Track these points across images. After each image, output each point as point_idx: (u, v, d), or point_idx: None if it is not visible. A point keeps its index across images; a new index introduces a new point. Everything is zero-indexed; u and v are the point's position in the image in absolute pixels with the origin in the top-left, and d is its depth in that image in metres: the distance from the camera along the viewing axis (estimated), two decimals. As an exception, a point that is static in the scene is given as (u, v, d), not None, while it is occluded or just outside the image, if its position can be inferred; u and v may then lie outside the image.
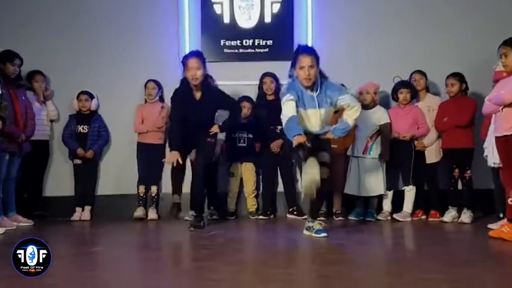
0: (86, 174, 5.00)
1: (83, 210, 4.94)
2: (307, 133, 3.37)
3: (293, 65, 3.47)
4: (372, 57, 5.09)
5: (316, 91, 3.44)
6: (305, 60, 3.37)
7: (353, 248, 3.31)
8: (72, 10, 5.22)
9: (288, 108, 3.33)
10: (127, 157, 5.06)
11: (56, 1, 5.25)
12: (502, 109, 3.29)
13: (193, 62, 3.87)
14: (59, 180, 5.12)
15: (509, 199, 3.34)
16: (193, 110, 3.94)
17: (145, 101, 5.09)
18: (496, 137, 3.35)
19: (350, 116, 3.50)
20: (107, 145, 5.16)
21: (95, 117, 5.07)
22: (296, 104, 3.36)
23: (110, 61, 5.20)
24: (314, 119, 3.48)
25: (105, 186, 5.14)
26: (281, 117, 3.41)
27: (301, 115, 3.44)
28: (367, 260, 2.90)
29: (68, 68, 5.18)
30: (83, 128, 4.99)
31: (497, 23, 4.92)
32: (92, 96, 5.07)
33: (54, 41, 5.17)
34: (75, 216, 4.88)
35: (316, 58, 3.43)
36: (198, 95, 3.99)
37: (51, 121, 5.11)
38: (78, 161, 4.98)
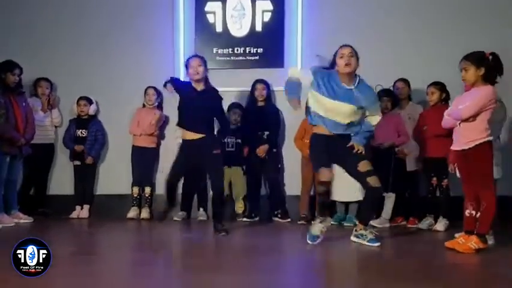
0: (85, 174, 5.32)
1: (81, 208, 5.27)
2: (328, 136, 3.57)
3: (332, 65, 3.63)
4: (360, 67, 5.16)
5: (354, 85, 3.57)
6: (345, 50, 3.56)
7: (324, 254, 3.46)
8: (74, 19, 5.54)
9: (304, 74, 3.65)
10: (125, 159, 5.34)
11: (58, 10, 5.57)
12: (459, 124, 3.37)
13: (195, 61, 4.08)
14: (62, 180, 5.47)
15: (467, 211, 3.41)
16: (195, 100, 4.06)
17: (143, 106, 5.34)
18: (454, 151, 3.43)
19: (373, 120, 3.64)
20: (104, 147, 5.46)
21: (93, 121, 5.36)
22: (321, 92, 3.53)
23: (109, 68, 5.50)
24: (343, 113, 3.53)
25: (104, 186, 5.45)
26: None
27: (329, 106, 3.53)
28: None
29: (71, 74, 5.50)
30: (81, 132, 5.30)
31: (487, 34, 4.93)
32: (90, 102, 5.36)
33: (59, 48, 5.52)
34: (74, 214, 5.22)
35: (355, 52, 3.59)
36: (199, 86, 4.09)
37: (56, 126, 5.46)
38: (77, 162, 5.31)
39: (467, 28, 5.11)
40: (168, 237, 4.34)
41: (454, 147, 3.44)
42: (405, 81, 4.80)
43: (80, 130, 5.30)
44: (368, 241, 3.57)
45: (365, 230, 3.63)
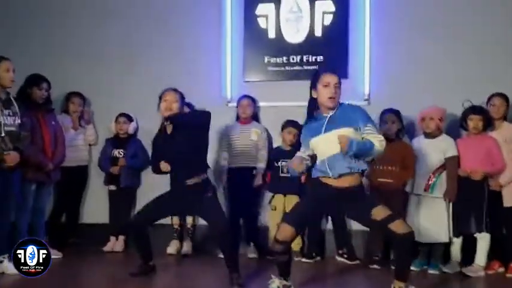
0: (121, 201, 4.76)
1: (116, 239, 4.69)
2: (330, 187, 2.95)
3: (313, 87, 3.04)
4: (439, 76, 4.38)
5: (331, 112, 3.00)
6: (331, 78, 2.98)
7: None
8: (111, 30, 5.01)
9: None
10: (166, 184, 4.73)
11: (96, 22, 5.06)
12: None
13: (170, 94, 3.46)
14: (96, 206, 4.93)
15: None
16: (167, 147, 3.48)
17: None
18: None
19: (376, 141, 2.91)
20: (145, 170, 4.86)
21: (132, 140, 4.82)
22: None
23: (149, 80, 4.90)
24: (323, 147, 2.96)
25: (142, 214, 4.86)
26: None
27: (315, 144, 3.01)
28: None
29: (108, 90, 4.99)
30: (118, 153, 4.76)
31: None
32: (130, 119, 4.82)
33: (92, 61, 5.00)
34: (108, 247, 4.65)
35: (339, 81, 3.00)
36: (169, 129, 3.49)
37: (90, 145, 4.94)
38: (112, 187, 4.76)
39: None
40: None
41: None
42: (503, 97, 3.95)
43: (118, 150, 4.75)
44: None
45: (405, 286, 2.97)
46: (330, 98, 2.95)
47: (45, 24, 5.09)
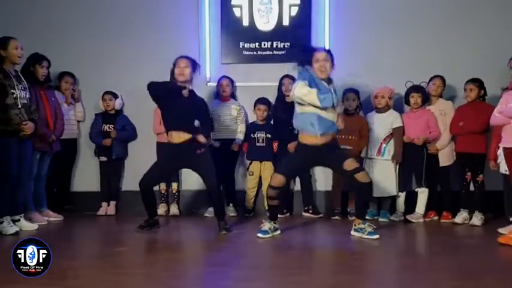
0: (111, 171, 5.23)
1: (108, 205, 5.19)
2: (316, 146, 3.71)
3: (307, 63, 3.73)
4: (388, 61, 5.19)
5: (331, 86, 3.72)
6: (320, 55, 3.71)
7: (365, 252, 3.50)
8: (95, 12, 5.41)
9: (302, 87, 3.61)
10: (151, 155, 5.23)
11: (80, 4, 5.44)
12: (512, 121, 3.40)
13: (183, 61, 4.01)
14: (86, 176, 5.37)
15: (517, 207, 3.46)
16: (179, 105, 3.98)
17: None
18: (504, 148, 3.46)
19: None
20: (132, 142, 5.36)
21: (120, 116, 5.27)
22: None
23: (131, 62, 5.35)
24: (331, 111, 3.68)
25: (130, 182, 5.31)
26: (297, 98, 3.69)
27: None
28: (378, 267, 3.07)
29: (92, 68, 5.38)
30: (108, 127, 5.20)
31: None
32: (115, 96, 5.25)
33: (80, 41, 5.37)
34: (101, 211, 5.13)
35: (331, 56, 3.74)
36: (186, 93, 4.00)
37: (78, 121, 5.36)
38: (103, 158, 5.21)
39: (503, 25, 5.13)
40: (199, 234, 4.29)
41: (504, 145, 3.47)
42: (442, 78, 4.81)
43: (108, 125, 5.20)
44: (367, 234, 3.76)
45: (363, 223, 3.82)
46: (321, 71, 3.67)
47: (42, 11, 5.40)
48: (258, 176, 5.09)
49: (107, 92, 5.24)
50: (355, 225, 3.84)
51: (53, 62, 4.87)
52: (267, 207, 5.01)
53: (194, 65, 4.06)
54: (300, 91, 3.60)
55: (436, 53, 5.17)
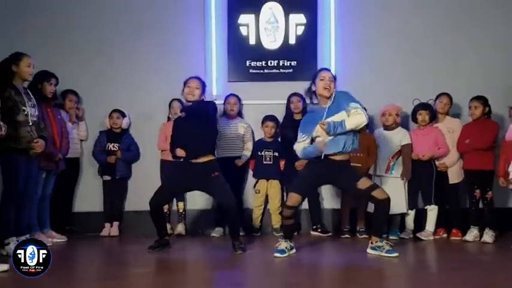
0: (115, 190, 5.13)
1: (111, 225, 5.08)
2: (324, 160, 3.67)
3: (313, 83, 3.81)
4: (394, 80, 5.25)
5: (330, 102, 3.75)
6: (326, 74, 3.79)
7: (377, 268, 3.45)
8: (102, 32, 5.37)
9: (299, 142, 3.79)
10: (155, 175, 5.17)
11: (87, 23, 5.39)
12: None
13: (194, 82, 4.00)
14: (88, 196, 5.26)
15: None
16: (182, 129, 3.96)
17: (168, 119, 5.17)
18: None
19: (352, 118, 3.63)
20: (136, 162, 5.28)
21: (125, 135, 5.20)
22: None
23: (138, 81, 5.33)
24: (324, 133, 3.68)
25: (133, 202, 5.25)
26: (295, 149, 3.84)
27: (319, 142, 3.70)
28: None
29: (98, 87, 5.32)
30: (113, 146, 5.13)
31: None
32: (123, 115, 5.20)
33: (85, 59, 5.33)
34: (104, 232, 5.02)
35: (335, 78, 3.79)
36: (183, 114, 3.97)
37: (81, 140, 5.28)
38: (107, 178, 5.12)
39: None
40: (203, 254, 4.21)
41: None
42: (449, 96, 4.86)
43: (112, 144, 5.12)
44: (386, 252, 3.70)
45: (381, 242, 3.76)
46: (325, 88, 3.69)
47: (45, 28, 5.34)
48: (265, 194, 5.05)
49: (115, 110, 5.18)
50: (371, 243, 3.80)
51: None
52: (275, 226, 5.01)
53: (204, 87, 4.07)
54: (296, 148, 3.86)
55: (443, 71, 5.23)
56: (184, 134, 3.95)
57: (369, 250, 3.80)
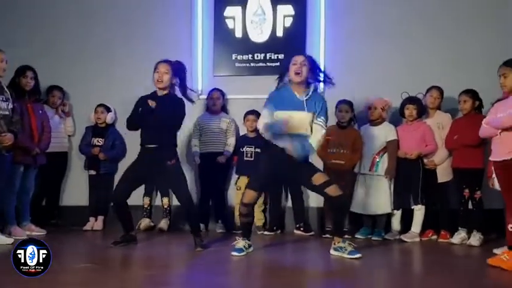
0: (100, 185, 5.12)
1: (96, 219, 5.09)
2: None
3: (286, 70, 3.57)
4: (384, 72, 5.00)
5: (306, 96, 3.49)
6: (298, 58, 3.53)
7: (356, 270, 3.26)
8: (89, 27, 5.40)
9: (263, 117, 3.52)
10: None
11: (73, 19, 5.43)
12: (500, 133, 3.15)
13: (162, 66, 3.80)
14: (76, 190, 5.30)
15: (509, 225, 3.19)
16: (147, 114, 3.76)
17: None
18: (494, 162, 3.21)
19: (316, 141, 3.45)
20: (123, 158, 5.25)
21: (110, 130, 5.19)
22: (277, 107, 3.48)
23: (124, 75, 5.31)
24: (299, 121, 3.45)
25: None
26: (257, 126, 3.62)
27: (281, 116, 3.42)
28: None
29: (85, 82, 5.35)
30: (97, 141, 5.13)
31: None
32: (108, 109, 5.19)
33: (72, 55, 5.38)
34: (88, 226, 5.03)
35: (310, 62, 3.53)
36: (153, 104, 3.73)
37: (68, 135, 5.32)
38: (93, 172, 5.14)
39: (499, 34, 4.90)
40: (162, 252, 4.05)
41: (493, 158, 3.22)
42: (439, 90, 4.57)
43: (97, 138, 5.13)
44: (348, 253, 3.48)
45: (343, 242, 3.53)
46: (296, 73, 3.47)
47: (30, 24, 5.42)
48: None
49: (100, 105, 5.18)
50: (334, 243, 3.59)
51: (43, 76, 4.81)
52: (256, 224, 4.87)
53: (176, 70, 3.84)
54: (259, 121, 3.64)
55: (433, 64, 4.95)
56: (149, 120, 3.76)
57: (331, 251, 3.60)
